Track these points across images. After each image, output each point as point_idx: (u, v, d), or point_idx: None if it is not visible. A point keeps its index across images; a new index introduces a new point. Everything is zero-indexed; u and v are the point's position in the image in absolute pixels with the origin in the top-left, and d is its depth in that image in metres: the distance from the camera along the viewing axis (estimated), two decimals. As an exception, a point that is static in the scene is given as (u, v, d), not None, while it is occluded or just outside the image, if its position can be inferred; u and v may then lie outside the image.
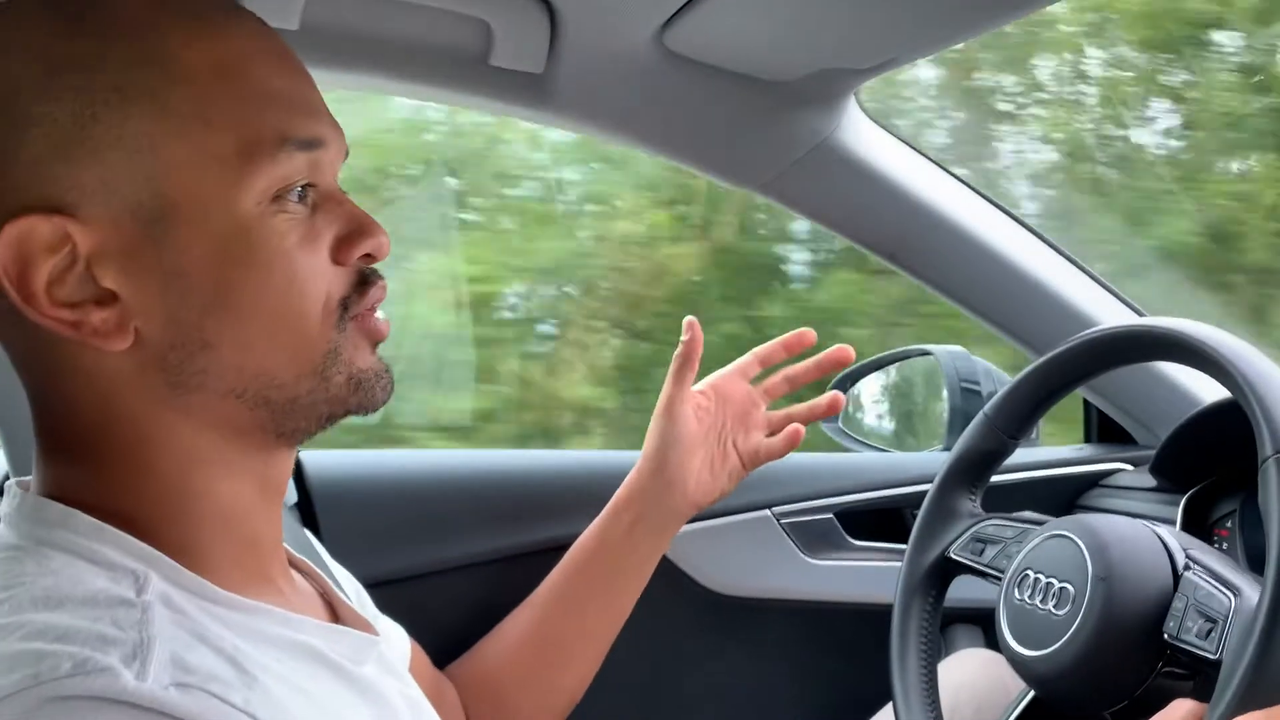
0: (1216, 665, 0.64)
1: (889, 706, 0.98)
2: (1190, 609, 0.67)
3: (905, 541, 0.92)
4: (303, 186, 0.56)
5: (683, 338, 0.93)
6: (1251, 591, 0.66)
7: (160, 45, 0.53)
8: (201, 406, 0.56)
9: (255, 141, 0.54)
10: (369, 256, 0.60)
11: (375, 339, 0.61)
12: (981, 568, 0.85)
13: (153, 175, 0.53)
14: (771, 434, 0.98)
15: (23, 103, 0.52)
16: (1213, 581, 0.68)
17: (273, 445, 0.59)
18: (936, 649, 0.87)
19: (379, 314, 0.62)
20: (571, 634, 0.93)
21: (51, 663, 0.46)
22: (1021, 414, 0.87)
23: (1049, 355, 0.84)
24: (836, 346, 0.96)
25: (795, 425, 0.96)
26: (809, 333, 0.97)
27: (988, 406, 0.89)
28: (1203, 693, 0.63)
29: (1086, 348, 0.82)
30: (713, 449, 0.96)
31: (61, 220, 0.52)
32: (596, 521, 0.95)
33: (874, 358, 1.48)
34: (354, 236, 0.59)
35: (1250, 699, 0.59)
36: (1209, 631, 0.65)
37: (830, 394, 0.98)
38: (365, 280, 0.60)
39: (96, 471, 0.56)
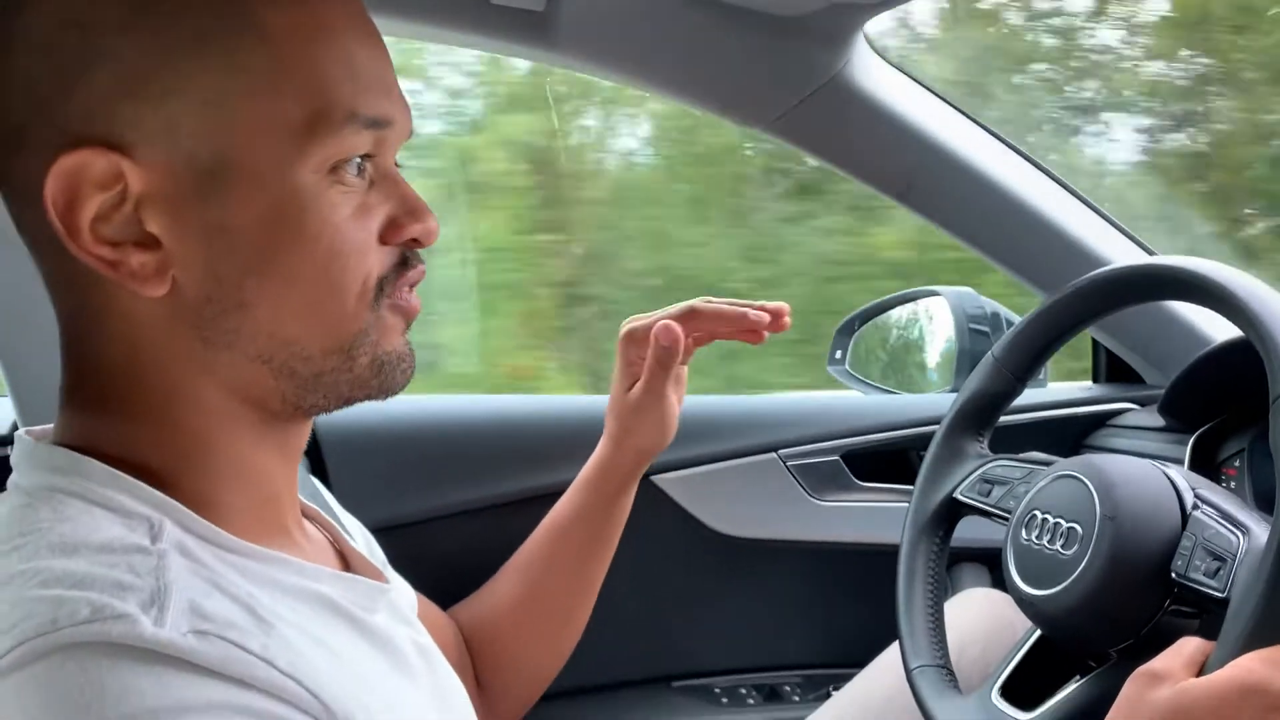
0: (1224, 603, 0.64)
1: (895, 645, 0.99)
2: (1198, 548, 0.67)
3: (912, 482, 0.92)
4: (361, 158, 0.56)
5: (663, 343, 0.87)
6: (1260, 530, 0.66)
7: (246, 2, 0.53)
8: (228, 367, 0.56)
9: (324, 113, 0.54)
10: (416, 241, 0.60)
11: (408, 317, 0.61)
12: (988, 508, 0.85)
13: (216, 130, 0.52)
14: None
15: (99, 35, 0.51)
16: (1221, 520, 0.68)
17: (290, 415, 0.59)
18: (943, 589, 0.88)
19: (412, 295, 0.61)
20: (561, 592, 0.93)
21: (70, 609, 0.46)
22: (1030, 355, 0.87)
23: (1057, 295, 0.83)
24: (777, 306, 0.89)
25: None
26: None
27: (995, 348, 0.88)
28: (1209, 631, 0.63)
29: (1096, 287, 0.81)
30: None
31: (117, 158, 0.51)
32: (571, 492, 0.94)
33: (882, 299, 1.47)
34: (405, 219, 0.58)
35: (1257, 637, 0.59)
36: (1217, 570, 0.65)
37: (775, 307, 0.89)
38: (405, 262, 0.59)
39: (119, 418, 0.56)
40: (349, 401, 0.60)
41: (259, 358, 0.56)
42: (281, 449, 0.60)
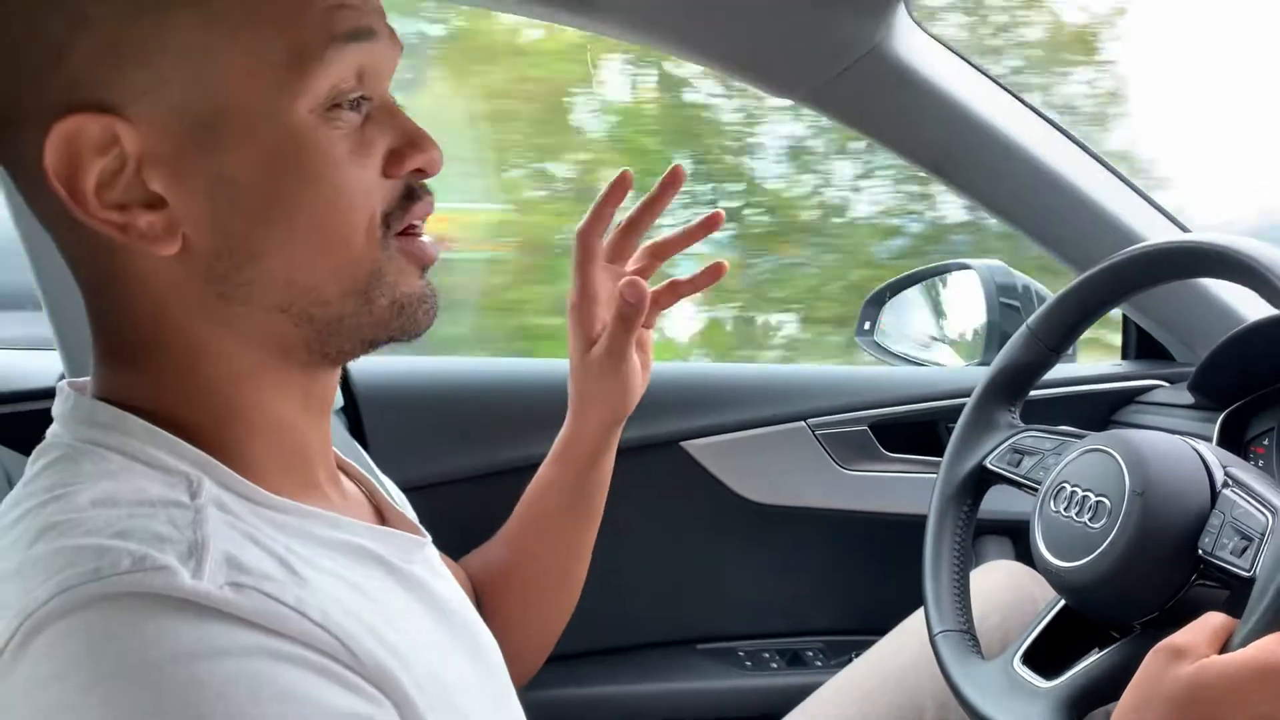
0: (1250, 583, 0.64)
1: (917, 613, 1.00)
2: (1226, 526, 0.67)
3: (939, 454, 0.93)
4: (357, 98, 0.56)
5: (630, 300, 0.81)
6: None
7: None
8: (246, 319, 0.56)
9: (303, 43, 0.53)
10: (420, 171, 0.59)
11: (422, 263, 0.60)
12: (1018, 478, 0.86)
13: (201, 81, 0.52)
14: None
15: (76, 3, 0.52)
16: (1251, 499, 0.68)
17: (316, 363, 0.59)
18: (969, 557, 0.88)
19: (426, 238, 0.61)
20: (547, 558, 0.91)
21: (112, 559, 0.47)
22: (1065, 327, 0.87)
23: (1095, 269, 0.84)
24: (710, 213, 0.85)
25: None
26: (626, 173, 0.85)
27: (1031, 319, 0.88)
28: (1234, 607, 0.64)
29: (1133, 262, 0.81)
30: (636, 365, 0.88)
31: (110, 120, 0.52)
32: (545, 464, 0.91)
33: (912, 271, 1.47)
34: (406, 150, 0.58)
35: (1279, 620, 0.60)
36: (1244, 549, 0.66)
37: (712, 263, 0.86)
38: (411, 194, 0.59)
39: (149, 377, 0.57)
40: (373, 344, 0.59)
41: (276, 307, 0.56)
42: (306, 400, 0.60)
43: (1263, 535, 0.66)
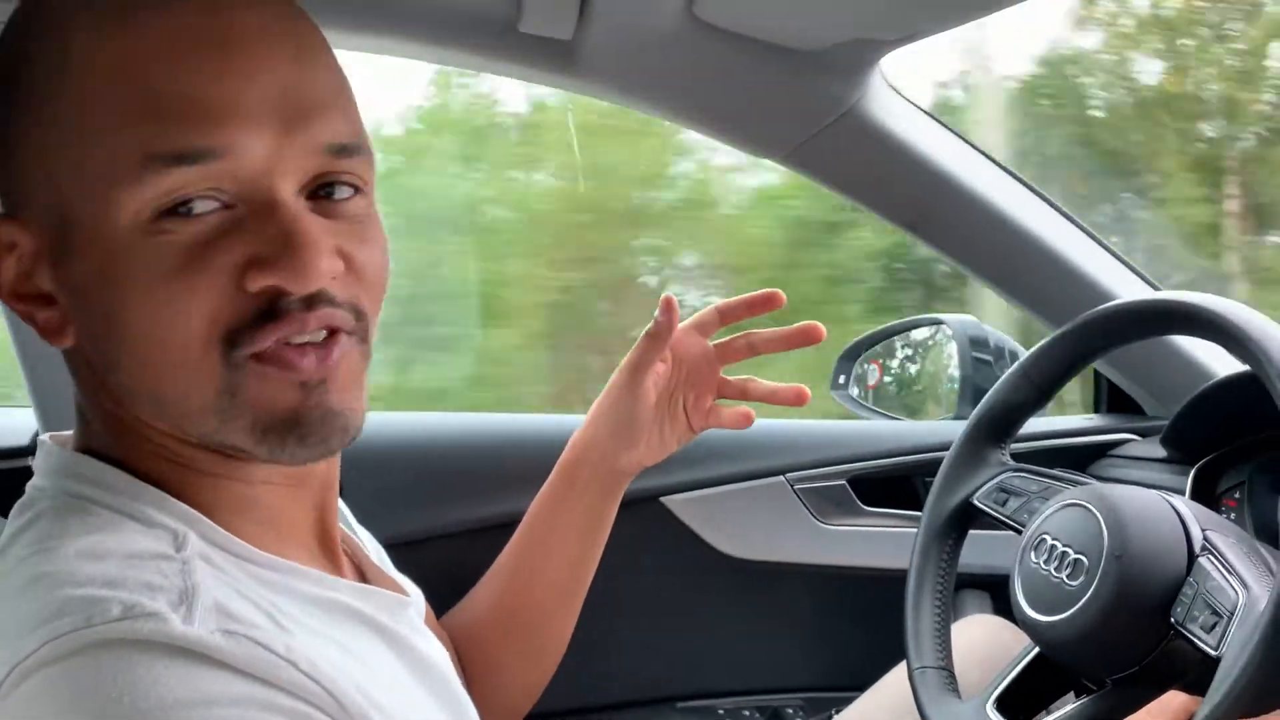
0: (1215, 662, 0.64)
1: (896, 669, 1.00)
2: (1198, 599, 0.68)
3: (916, 508, 0.93)
4: (207, 204, 0.51)
5: (657, 315, 0.85)
6: (1259, 590, 0.67)
7: (65, 46, 0.51)
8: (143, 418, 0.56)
9: (120, 158, 0.50)
10: (277, 290, 0.51)
11: (297, 375, 0.53)
12: (1003, 518, 0.86)
13: (48, 185, 0.53)
14: (722, 397, 0.92)
15: None
16: (1224, 572, 0.68)
17: (241, 463, 0.57)
18: (950, 596, 0.89)
19: (306, 349, 0.53)
20: (539, 599, 0.91)
21: (102, 608, 0.47)
22: (1057, 372, 0.88)
23: (1085, 317, 0.85)
24: (809, 323, 0.89)
25: (747, 410, 0.91)
26: (778, 294, 0.90)
27: (1024, 360, 0.90)
28: (1198, 684, 0.64)
29: (1128, 312, 0.82)
30: (664, 411, 0.90)
31: (9, 222, 0.54)
32: (545, 489, 0.91)
33: (886, 325, 1.49)
34: (264, 262, 0.51)
35: (1240, 704, 0.60)
36: (1214, 625, 0.66)
37: (795, 388, 0.89)
38: (271, 313, 0.52)
39: (127, 434, 0.57)
40: (275, 461, 0.55)
41: (152, 416, 0.55)
42: (284, 476, 0.59)
43: (1232, 613, 0.66)
